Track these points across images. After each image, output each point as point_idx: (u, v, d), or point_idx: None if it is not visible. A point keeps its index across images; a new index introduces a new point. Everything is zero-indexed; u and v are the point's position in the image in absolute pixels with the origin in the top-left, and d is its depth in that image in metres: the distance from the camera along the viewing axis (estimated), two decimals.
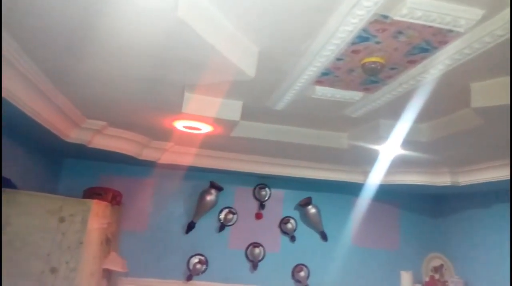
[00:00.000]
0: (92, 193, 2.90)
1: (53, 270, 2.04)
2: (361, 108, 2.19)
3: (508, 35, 1.27)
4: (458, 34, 1.34)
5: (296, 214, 3.89)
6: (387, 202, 3.97)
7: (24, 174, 2.67)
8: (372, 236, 3.94)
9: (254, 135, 2.73)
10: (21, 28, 1.45)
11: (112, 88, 2.03)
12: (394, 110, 2.12)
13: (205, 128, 2.53)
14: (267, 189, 3.88)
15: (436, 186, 3.25)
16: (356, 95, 2.01)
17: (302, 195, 3.84)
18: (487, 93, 1.71)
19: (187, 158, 3.32)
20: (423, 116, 2.18)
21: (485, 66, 1.54)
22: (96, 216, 2.20)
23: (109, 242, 2.64)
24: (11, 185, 2.24)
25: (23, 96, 1.88)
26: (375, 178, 3.24)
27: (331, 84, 1.89)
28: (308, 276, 3.74)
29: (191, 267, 3.58)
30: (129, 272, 3.09)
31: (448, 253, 3.75)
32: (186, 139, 2.97)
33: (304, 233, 3.85)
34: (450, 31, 1.30)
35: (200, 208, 3.65)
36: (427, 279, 3.78)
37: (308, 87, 1.91)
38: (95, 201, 2.29)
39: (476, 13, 1.23)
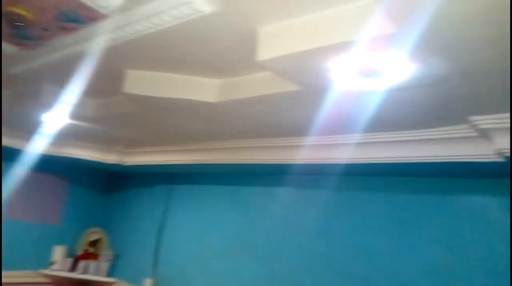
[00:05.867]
0: None
1: None
2: (18, 65, 1.94)
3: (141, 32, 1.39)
4: (105, 15, 1.37)
5: None
6: (55, 174, 3.76)
7: None
8: (32, 209, 3.63)
9: None
10: None
11: None
12: (59, 78, 2.00)
13: None
14: None
15: (106, 163, 3.34)
16: (10, 48, 1.76)
17: None
18: (140, 82, 1.85)
19: None
20: (92, 92, 2.16)
21: (141, 56, 1.64)
22: None
23: None
24: None
25: None
26: (38, 147, 2.97)
27: None
28: None
29: None
30: None
31: (108, 228, 3.94)
32: None
33: None
34: (93, 9, 1.31)
35: None
36: (80, 252, 3.83)
37: None
38: None
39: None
